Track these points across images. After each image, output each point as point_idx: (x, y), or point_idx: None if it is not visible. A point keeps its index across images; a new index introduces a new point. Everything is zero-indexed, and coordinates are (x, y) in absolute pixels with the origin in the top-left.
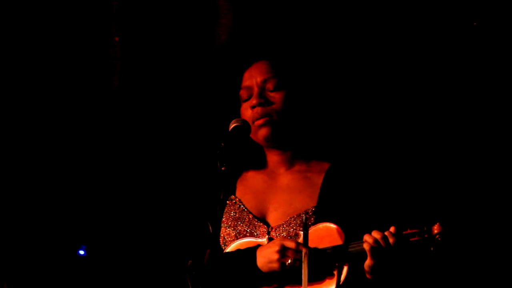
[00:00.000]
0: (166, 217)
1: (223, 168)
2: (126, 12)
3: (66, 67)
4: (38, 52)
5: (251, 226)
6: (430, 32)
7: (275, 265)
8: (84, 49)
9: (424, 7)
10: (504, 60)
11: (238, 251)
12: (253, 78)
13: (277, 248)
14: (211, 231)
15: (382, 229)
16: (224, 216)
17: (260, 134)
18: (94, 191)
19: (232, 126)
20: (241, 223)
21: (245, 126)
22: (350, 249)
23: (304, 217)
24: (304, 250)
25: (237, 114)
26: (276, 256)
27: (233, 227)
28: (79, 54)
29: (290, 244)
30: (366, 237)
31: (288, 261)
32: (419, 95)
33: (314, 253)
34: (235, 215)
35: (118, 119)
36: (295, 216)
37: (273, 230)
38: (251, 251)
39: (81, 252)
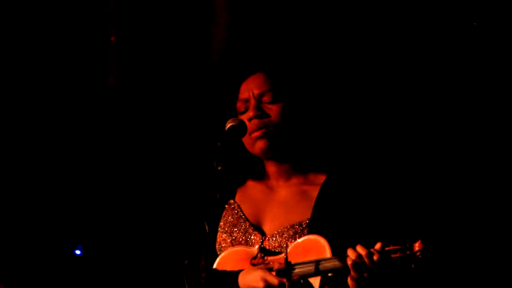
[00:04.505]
0: (162, 217)
1: (219, 168)
2: (122, 12)
3: (63, 66)
4: (35, 51)
5: (246, 234)
6: (430, 33)
7: None
8: (81, 48)
9: (424, 8)
10: (504, 60)
11: (221, 274)
12: (250, 90)
13: (261, 284)
14: (207, 230)
15: (370, 243)
16: (222, 221)
17: (257, 146)
18: (91, 191)
19: (228, 125)
20: (237, 229)
21: (241, 126)
22: (333, 263)
23: (285, 246)
24: (287, 285)
25: (233, 113)
26: None
27: (229, 233)
28: (76, 53)
29: (273, 280)
30: (350, 252)
31: None
32: (414, 107)
33: (297, 283)
34: (232, 220)
35: (114, 118)
36: (289, 227)
37: (267, 239)
38: (233, 277)
39: (78, 252)
